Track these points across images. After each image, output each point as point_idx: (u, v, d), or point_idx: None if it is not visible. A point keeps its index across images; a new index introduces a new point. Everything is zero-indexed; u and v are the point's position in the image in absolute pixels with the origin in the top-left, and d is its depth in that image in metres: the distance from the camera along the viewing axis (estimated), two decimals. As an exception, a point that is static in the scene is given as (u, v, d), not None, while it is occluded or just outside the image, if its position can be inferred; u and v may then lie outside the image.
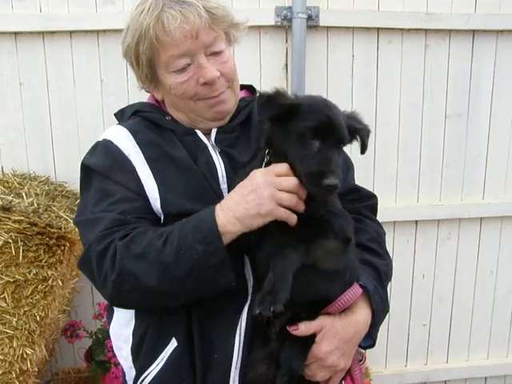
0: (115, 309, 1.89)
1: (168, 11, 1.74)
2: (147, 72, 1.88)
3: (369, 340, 1.85)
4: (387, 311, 1.89)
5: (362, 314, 1.75)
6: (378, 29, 3.67)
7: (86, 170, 1.85)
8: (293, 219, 1.60)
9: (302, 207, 1.62)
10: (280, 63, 3.66)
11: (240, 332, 1.70)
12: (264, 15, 3.54)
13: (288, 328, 1.66)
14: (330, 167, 1.52)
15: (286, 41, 3.63)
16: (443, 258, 4.07)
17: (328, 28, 3.62)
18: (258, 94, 1.64)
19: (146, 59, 1.83)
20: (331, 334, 1.68)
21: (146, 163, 1.80)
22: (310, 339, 1.68)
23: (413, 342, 4.22)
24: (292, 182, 1.59)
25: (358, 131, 1.66)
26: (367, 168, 3.82)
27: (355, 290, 1.72)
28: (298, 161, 1.58)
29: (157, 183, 1.77)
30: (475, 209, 3.99)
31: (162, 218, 1.77)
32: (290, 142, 1.59)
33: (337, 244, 1.66)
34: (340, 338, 1.69)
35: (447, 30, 3.72)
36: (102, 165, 1.81)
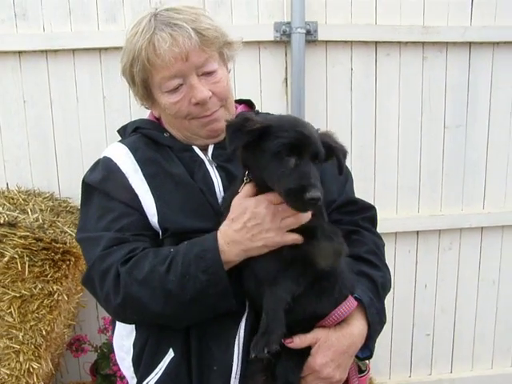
0: (117, 321, 1.93)
1: (159, 33, 1.78)
2: (142, 92, 1.94)
3: (366, 351, 1.85)
4: (384, 323, 1.90)
5: (357, 326, 1.77)
6: (376, 42, 3.71)
7: (87, 186, 1.89)
8: (300, 240, 1.65)
9: (307, 219, 1.65)
10: (280, 77, 3.71)
11: (239, 342, 1.72)
12: (263, 31, 3.59)
13: (283, 341, 1.66)
14: (310, 181, 1.49)
15: (286, 55, 3.67)
16: (445, 267, 4.08)
17: (327, 42, 3.67)
18: (226, 123, 1.62)
19: (140, 80, 1.88)
20: (326, 347, 1.70)
21: (144, 180, 1.83)
22: (306, 352, 1.70)
23: (416, 353, 4.21)
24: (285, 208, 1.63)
25: (333, 149, 1.64)
26: (367, 179, 3.85)
27: (350, 303, 1.74)
28: (275, 179, 1.56)
29: (154, 199, 1.80)
30: (476, 218, 4.01)
31: (161, 233, 1.80)
32: (266, 162, 1.57)
33: (331, 243, 1.67)
34: (335, 351, 1.71)
35: (444, 43, 3.76)
36: (101, 181, 1.84)
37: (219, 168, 1.90)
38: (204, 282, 1.60)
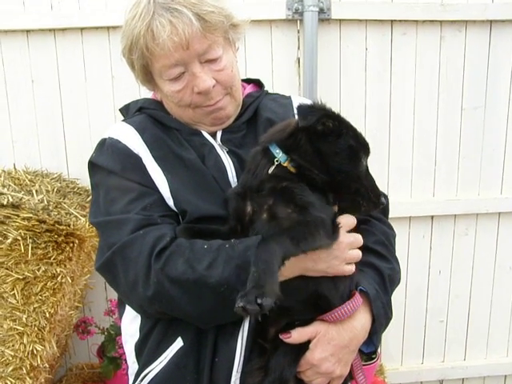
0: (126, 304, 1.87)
1: (158, 19, 1.67)
2: (142, 77, 1.86)
3: (371, 346, 1.80)
4: (390, 317, 1.83)
5: (359, 320, 1.71)
6: (392, 21, 3.59)
7: (97, 168, 1.81)
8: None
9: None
10: (292, 57, 3.62)
11: (242, 335, 1.66)
12: (275, 9, 3.49)
13: (280, 336, 1.62)
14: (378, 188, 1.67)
15: (298, 34, 3.58)
16: (460, 253, 3.99)
17: (340, 21, 3.56)
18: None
19: (139, 66, 1.80)
20: (325, 340, 1.64)
21: (154, 161, 1.76)
22: (304, 346, 1.64)
23: (429, 339, 4.14)
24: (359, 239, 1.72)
25: None
26: (382, 162, 3.71)
27: (356, 302, 1.68)
28: (356, 179, 1.62)
29: (167, 181, 1.73)
30: (493, 203, 3.90)
31: (180, 217, 1.73)
32: (343, 160, 1.60)
33: None
34: (335, 345, 1.65)
35: (463, 21, 3.62)
36: (114, 166, 1.76)
37: (230, 153, 1.83)
38: None
